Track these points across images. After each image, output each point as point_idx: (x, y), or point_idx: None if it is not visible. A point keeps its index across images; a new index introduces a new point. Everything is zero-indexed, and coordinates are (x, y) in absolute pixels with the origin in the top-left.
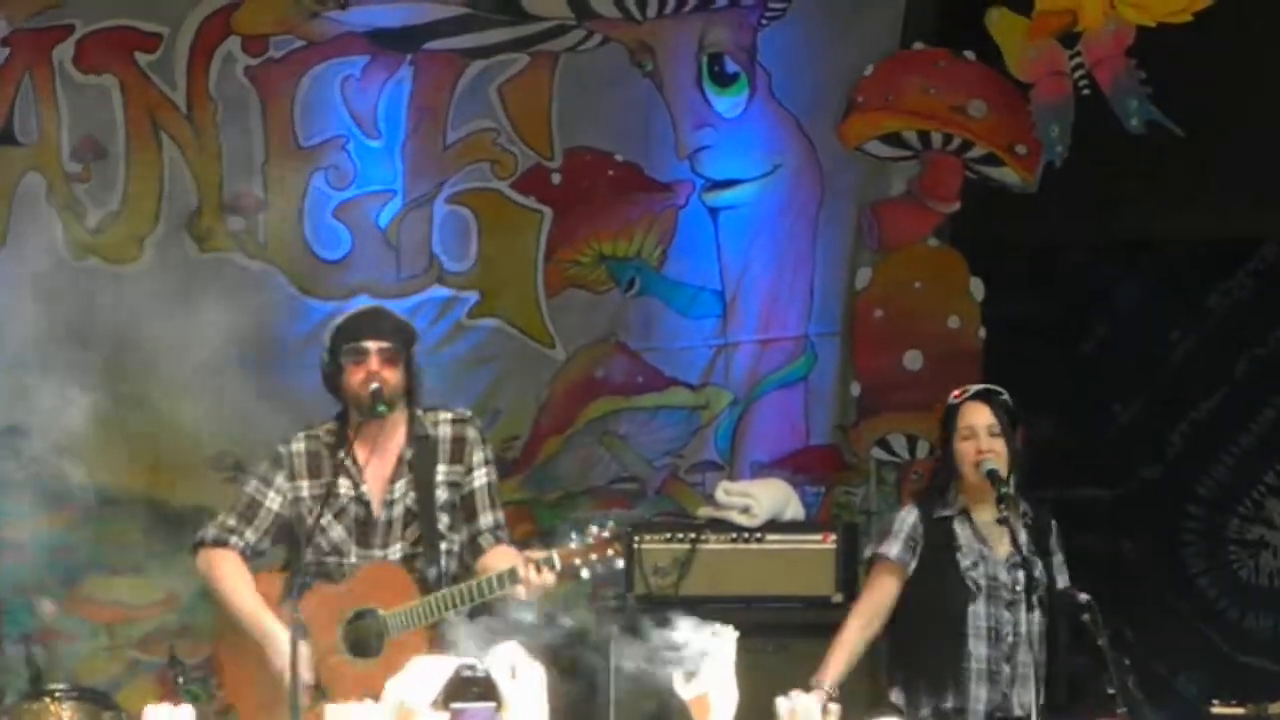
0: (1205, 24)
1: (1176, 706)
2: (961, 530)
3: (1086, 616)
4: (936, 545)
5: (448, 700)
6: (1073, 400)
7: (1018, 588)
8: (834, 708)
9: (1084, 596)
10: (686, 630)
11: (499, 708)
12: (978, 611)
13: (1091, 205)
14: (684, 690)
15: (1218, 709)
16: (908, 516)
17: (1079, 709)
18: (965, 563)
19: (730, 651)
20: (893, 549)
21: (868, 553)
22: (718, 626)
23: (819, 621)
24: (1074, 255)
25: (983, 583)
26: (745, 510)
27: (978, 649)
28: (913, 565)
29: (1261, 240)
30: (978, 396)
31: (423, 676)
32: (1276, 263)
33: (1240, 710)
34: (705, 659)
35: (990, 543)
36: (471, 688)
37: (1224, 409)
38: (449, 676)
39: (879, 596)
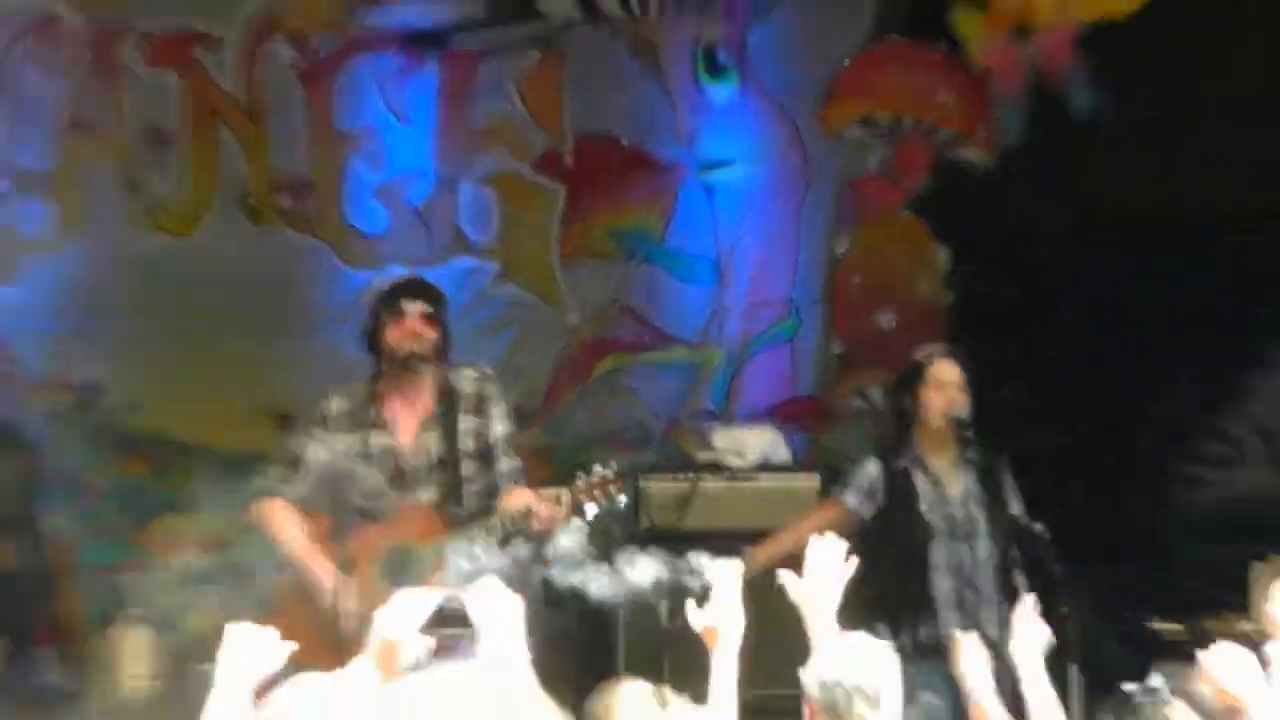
0: (1145, 17)
1: (1122, 625)
2: (918, 477)
3: (1041, 546)
4: (897, 493)
5: (430, 629)
6: (1028, 354)
7: (971, 523)
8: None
9: (1038, 527)
10: (695, 563)
11: (477, 637)
12: (939, 549)
13: (1043, 181)
14: (695, 619)
15: (1158, 626)
16: (870, 469)
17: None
18: (923, 506)
19: (737, 583)
20: (851, 500)
21: (833, 494)
22: (724, 560)
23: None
24: (1028, 225)
25: (941, 523)
26: (739, 454)
27: (943, 582)
28: (869, 513)
29: (1199, 207)
30: (946, 355)
31: (407, 607)
32: (1201, 236)
33: (1178, 627)
34: (713, 591)
35: (945, 485)
36: (452, 619)
37: (1163, 361)
38: (431, 608)
39: (825, 526)
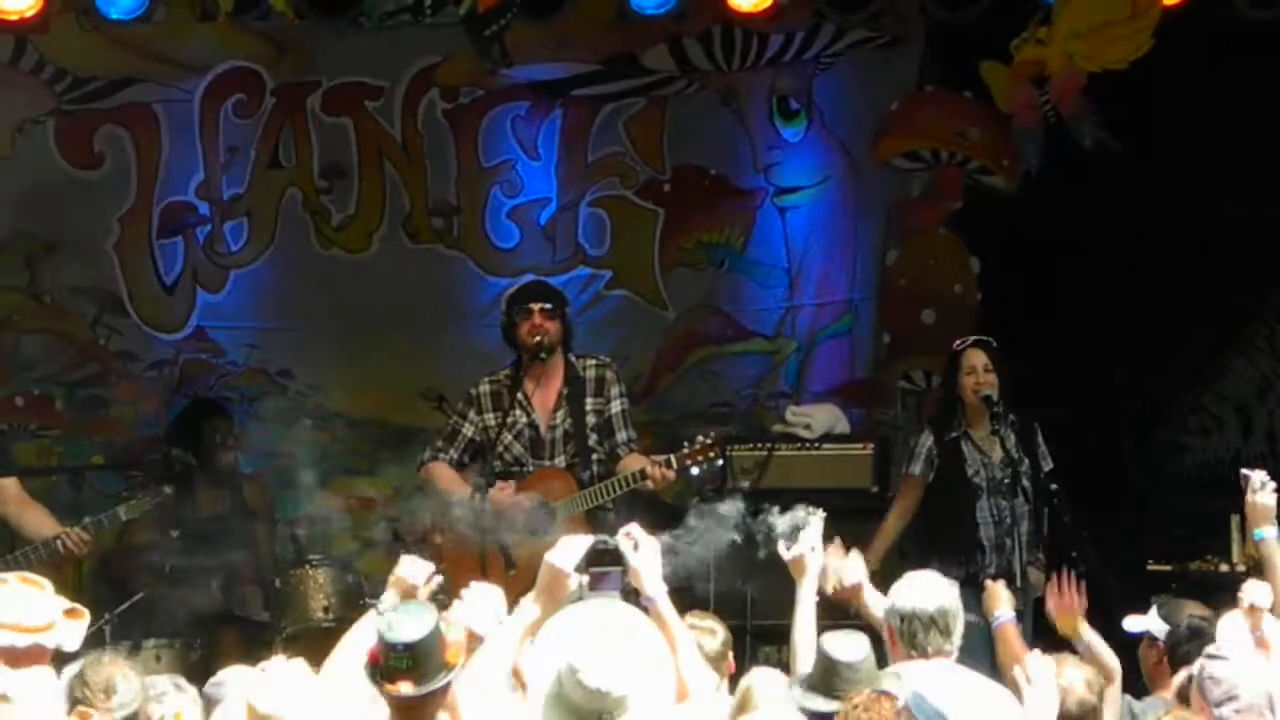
0: (1138, 69)
1: (1120, 565)
2: (965, 447)
3: (1056, 499)
4: (948, 459)
5: (588, 566)
6: (1044, 342)
7: (1008, 482)
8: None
9: (1054, 486)
10: (785, 513)
11: (625, 571)
12: (983, 505)
13: (1057, 202)
14: (785, 554)
15: (1152, 567)
16: (925, 440)
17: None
18: (970, 471)
19: (819, 528)
20: (916, 467)
21: (903, 471)
22: (812, 509)
23: (861, 506)
24: (1043, 237)
25: (984, 484)
26: (807, 427)
27: (987, 531)
28: (930, 476)
29: (1182, 223)
30: (975, 344)
31: (568, 548)
32: (1194, 238)
33: (1169, 568)
34: (801, 533)
35: (986, 452)
36: (605, 556)
37: (1154, 348)
38: (588, 548)
39: (908, 503)
